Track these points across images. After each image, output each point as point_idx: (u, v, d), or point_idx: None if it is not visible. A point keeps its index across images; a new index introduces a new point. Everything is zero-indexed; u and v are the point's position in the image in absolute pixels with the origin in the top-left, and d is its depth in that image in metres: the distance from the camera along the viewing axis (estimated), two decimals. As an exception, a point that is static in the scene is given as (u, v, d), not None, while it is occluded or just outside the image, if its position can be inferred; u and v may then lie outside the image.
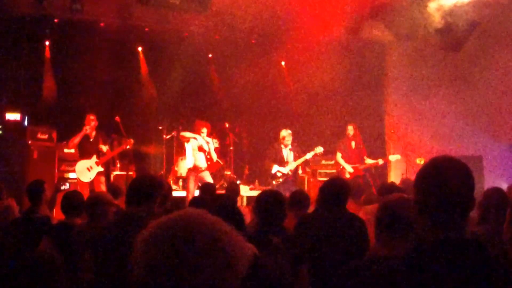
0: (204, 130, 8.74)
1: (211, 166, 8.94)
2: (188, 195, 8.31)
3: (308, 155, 9.01)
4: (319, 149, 9.02)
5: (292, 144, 9.08)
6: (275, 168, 8.93)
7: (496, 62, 9.90)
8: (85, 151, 8.43)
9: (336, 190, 3.89)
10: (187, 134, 8.77)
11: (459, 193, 1.67)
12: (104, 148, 8.54)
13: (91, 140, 8.45)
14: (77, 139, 8.32)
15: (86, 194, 7.67)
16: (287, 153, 9.04)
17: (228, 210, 2.97)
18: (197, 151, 8.71)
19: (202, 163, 8.69)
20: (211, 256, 1.15)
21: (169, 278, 1.12)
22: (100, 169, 8.43)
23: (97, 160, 8.43)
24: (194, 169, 8.64)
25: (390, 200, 2.56)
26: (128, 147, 8.78)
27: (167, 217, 1.22)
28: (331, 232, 3.65)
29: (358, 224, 3.77)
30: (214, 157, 8.90)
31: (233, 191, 6.53)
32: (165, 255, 1.13)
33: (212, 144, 8.89)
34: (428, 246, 1.63)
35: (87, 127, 8.32)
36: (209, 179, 8.56)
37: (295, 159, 9.02)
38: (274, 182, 8.94)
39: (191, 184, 8.48)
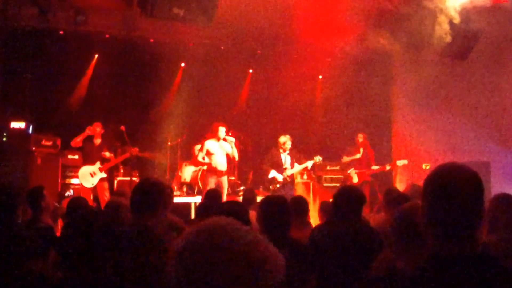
0: (222, 129, 8.71)
1: (230, 168, 8.95)
2: None
3: (309, 164, 9.07)
4: (318, 158, 9.17)
5: (290, 150, 9.10)
6: (272, 173, 8.96)
7: (504, 68, 9.88)
8: (89, 157, 8.48)
9: (351, 199, 3.71)
10: (199, 157, 8.77)
11: (470, 203, 1.62)
12: (108, 154, 8.58)
13: (96, 146, 8.50)
14: (79, 138, 8.41)
15: (89, 200, 7.74)
16: (285, 158, 9.06)
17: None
18: (219, 154, 8.67)
19: (223, 166, 8.68)
20: (248, 266, 1.15)
21: (201, 284, 1.13)
22: (103, 175, 8.47)
23: (101, 166, 8.46)
24: (215, 172, 8.60)
25: (405, 209, 2.49)
26: (132, 154, 8.81)
27: (202, 225, 1.23)
28: (347, 244, 3.49)
29: (374, 236, 3.62)
30: (236, 156, 8.89)
31: (249, 199, 6.28)
32: (200, 264, 1.14)
33: (233, 144, 8.82)
34: (441, 260, 1.58)
35: (89, 131, 8.40)
36: (226, 184, 8.60)
37: (292, 164, 9.02)
38: (271, 187, 8.95)
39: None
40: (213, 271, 1.13)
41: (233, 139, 8.81)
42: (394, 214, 2.55)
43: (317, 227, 4.01)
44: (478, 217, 1.64)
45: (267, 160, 9.13)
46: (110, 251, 2.83)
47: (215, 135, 8.73)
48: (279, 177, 8.91)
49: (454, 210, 1.61)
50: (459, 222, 1.61)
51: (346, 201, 3.71)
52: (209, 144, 8.70)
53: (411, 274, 1.61)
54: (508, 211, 3.40)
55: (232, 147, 8.75)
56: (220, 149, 8.69)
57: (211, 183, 8.43)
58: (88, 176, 8.39)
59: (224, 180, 8.67)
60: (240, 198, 7.58)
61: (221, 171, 8.63)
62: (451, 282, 1.53)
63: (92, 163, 8.43)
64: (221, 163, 8.64)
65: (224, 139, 8.73)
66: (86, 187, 8.37)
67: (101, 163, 8.51)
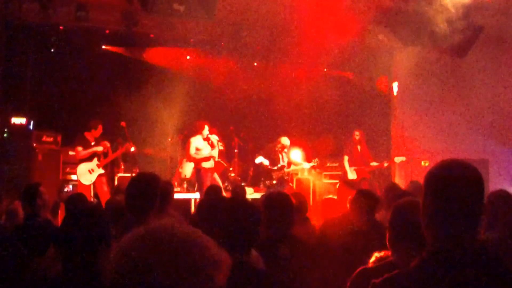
0: (207, 128, 8.74)
1: (216, 166, 8.96)
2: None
3: (306, 165, 9.16)
4: (315, 161, 9.37)
5: (289, 148, 9.22)
6: (259, 159, 9.04)
7: (503, 66, 9.88)
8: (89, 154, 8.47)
9: (369, 202, 3.88)
10: (192, 153, 8.73)
11: (472, 199, 1.64)
12: (100, 148, 8.60)
13: (92, 144, 8.50)
14: (87, 153, 8.41)
15: (88, 196, 7.78)
16: (282, 155, 9.20)
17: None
18: (207, 151, 8.69)
19: (212, 163, 8.73)
20: (180, 266, 1.14)
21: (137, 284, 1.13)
22: (101, 171, 8.49)
23: (98, 163, 8.48)
24: (208, 169, 8.62)
25: (401, 205, 2.49)
26: (132, 149, 8.84)
27: (151, 225, 1.24)
28: (362, 241, 3.53)
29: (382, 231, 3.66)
30: (216, 155, 8.91)
31: (238, 194, 6.37)
32: (133, 267, 1.15)
33: (216, 142, 8.87)
34: (442, 256, 1.60)
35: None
36: (219, 180, 8.60)
37: (289, 164, 9.18)
38: (267, 183, 9.01)
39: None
40: (151, 272, 1.13)
41: (216, 138, 8.82)
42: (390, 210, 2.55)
43: (331, 220, 4.05)
44: (479, 213, 1.66)
45: (263, 152, 9.24)
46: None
47: (199, 133, 8.75)
48: (266, 162, 9.00)
49: (455, 206, 1.62)
50: (460, 218, 1.62)
51: (364, 202, 3.87)
52: (196, 141, 8.71)
53: (411, 269, 1.62)
54: (506, 208, 3.40)
55: (215, 145, 8.77)
56: (207, 146, 8.73)
57: (207, 181, 8.45)
58: (87, 173, 8.40)
59: (216, 176, 8.70)
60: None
61: (211, 168, 8.65)
62: (451, 277, 1.54)
63: (90, 159, 8.44)
64: (211, 161, 8.68)
65: (208, 138, 8.75)
66: (85, 185, 8.37)
67: (98, 159, 8.53)
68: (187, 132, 10.41)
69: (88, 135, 8.52)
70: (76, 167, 8.83)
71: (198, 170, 8.75)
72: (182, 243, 1.18)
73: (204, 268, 1.16)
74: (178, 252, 1.16)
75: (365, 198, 3.92)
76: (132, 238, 1.20)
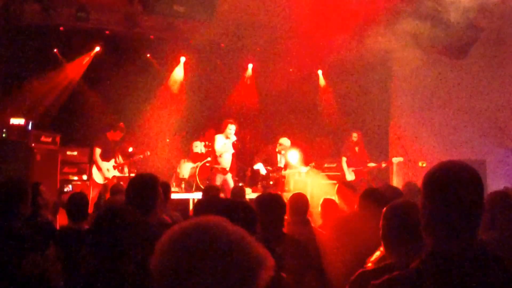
0: (232, 128, 8.74)
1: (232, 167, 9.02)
2: None
3: (303, 169, 9.16)
4: (312, 165, 9.33)
5: (289, 151, 9.23)
6: (257, 166, 9.03)
7: (500, 67, 9.90)
8: (107, 154, 8.50)
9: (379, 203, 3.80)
10: (218, 147, 8.73)
11: (471, 200, 1.64)
12: (120, 159, 8.82)
13: (113, 144, 8.65)
14: (99, 167, 8.45)
15: (95, 194, 7.83)
16: (281, 157, 9.22)
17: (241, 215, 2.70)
18: (226, 152, 8.72)
19: (229, 164, 8.74)
20: (229, 266, 1.14)
21: (185, 285, 1.12)
22: (116, 173, 8.56)
23: (115, 164, 8.54)
24: (222, 171, 8.62)
25: (395, 206, 2.49)
26: (130, 149, 8.92)
27: (187, 222, 1.22)
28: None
29: None
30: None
31: (238, 194, 6.36)
32: (182, 261, 1.13)
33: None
34: (442, 258, 1.60)
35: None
36: (232, 182, 8.63)
37: (285, 167, 9.18)
38: (263, 183, 9.03)
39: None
40: (195, 270, 1.12)
41: (234, 138, 8.83)
42: (384, 210, 2.54)
43: (340, 220, 4.05)
44: (478, 214, 1.66)
45: (260, 154, 9.24)
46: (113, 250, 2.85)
47: (223, 132, 8.76)
48: (263, 171, 8.99)
49: (454, 208, 1.63)
50: (459, 220, 1.62)
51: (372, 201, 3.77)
52: (219, 138, 8.72)
53: (411, 271, 1.62)
54: (506, 208, 3.40)
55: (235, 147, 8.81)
56: (226, 146, 8.75)
57: (218, 181, 8.46)
58: (102, 172, 8.47)
59: (229, 178, 8.73)
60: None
61: (226, 169, 8.68)
62: (452, 279, 1.55)
63: (108, 159, 8.49)
64: (227, 161, 8.69)
65: (227, 137, 8.77)
66: (97, 183, 8.41)
67: (116, 161, 8.60)
68: (185, 133, 10.44)
69: (110, 135, 8.54)
70: (76, 166, 8.90)
71: (211, 169, 8.81)
72: (233, 240, 1.17)
73: (251, 267, 1.16)
74: (230, 249, 1.15)
75: (374, 200, 3.80)
76: (176, 235, 1.18)
